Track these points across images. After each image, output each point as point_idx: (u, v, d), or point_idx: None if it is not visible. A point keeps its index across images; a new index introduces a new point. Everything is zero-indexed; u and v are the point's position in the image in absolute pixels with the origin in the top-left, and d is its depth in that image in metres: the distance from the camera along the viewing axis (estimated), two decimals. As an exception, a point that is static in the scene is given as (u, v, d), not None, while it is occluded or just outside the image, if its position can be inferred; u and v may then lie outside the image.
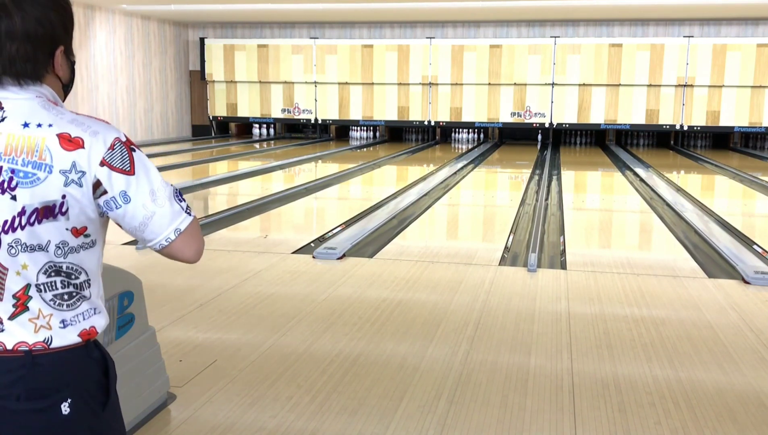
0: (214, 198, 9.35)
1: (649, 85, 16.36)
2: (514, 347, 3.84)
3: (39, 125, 1.43)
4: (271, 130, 19.06)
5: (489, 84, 16.92)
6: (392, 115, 17.61)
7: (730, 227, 7.25)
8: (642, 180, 11.07)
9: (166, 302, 4.51)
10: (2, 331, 1.45)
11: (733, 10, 15.10)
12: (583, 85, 16.56)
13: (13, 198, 1.41)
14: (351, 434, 2.89)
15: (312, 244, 6.33)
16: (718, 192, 10.99)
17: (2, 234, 1.42)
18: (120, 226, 1.53)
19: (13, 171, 1.41)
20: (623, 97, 16.52)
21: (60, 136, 1.43)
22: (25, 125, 1.43)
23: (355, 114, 17.79)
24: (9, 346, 1.44)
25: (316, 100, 17.90)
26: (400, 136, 18.58)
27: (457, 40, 17.12)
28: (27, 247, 1.43)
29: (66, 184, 1.42)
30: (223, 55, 18.16)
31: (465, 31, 17.43)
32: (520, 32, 17.15)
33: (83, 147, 1.43)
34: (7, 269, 1.43)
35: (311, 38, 17.85)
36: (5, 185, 1.41)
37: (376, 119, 17.73)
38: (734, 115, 16.17)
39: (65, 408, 1.47)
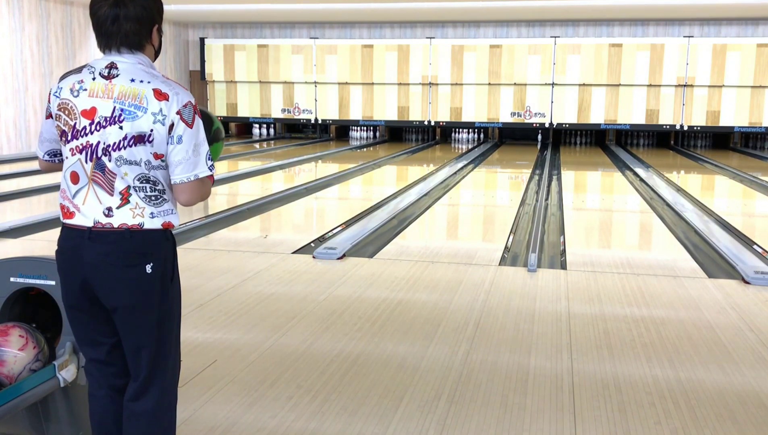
0: (214, 198, 9.35)
1: (649, 85, 16.36)
2: (514, 347, 3.84)
3: (141, 81, 2.11)
4: (271, 130, 19.06)
5: (489, 84, 16.92)
6: (392, 115, 17.61)
7: (730, 227, 7.25)
8: (642, 180, 11.07)
9: (166, 302, 4.50)
10: (112, 216, 2.13)
11: (733, 10, 15.10)
12: (583, 85, 16.56)
13: (120, 127, 2.10)
14: (351, 434, 2.89)
15: (312, 244, 6.32)
16: (718, 192, 10.99)
17: (112, 151, 2.10)
18: (167, 159, 2.15)
19: (122, 110, 2.09)
20: (623, 97, 16.52)
21: (154, 90, 2.10)
22: (132, 80, 2.11)
23: (355, 114, 17.79)
24: (115, 225, 2.13)
25: (316, 100, 17.90)
26: (400, 136, 18.57)
27: (457, 40, 17.11)
28: (127, 161, 2.11)
29: (154, 122, 2.09)
30: (223, 55, 18.16)
31: (465, 31, 17.43)
32: (520, 32, 17.15)
33: (168, 100, 2.11)
34: (115, 175, 2.12)
35: (311, 38, 17.85)
36: (116, 119, 2.09)
37: (376, 119, 17.72)
38: (734, 115, 16.17)
39: (149, 268, 2.15)
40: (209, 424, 2.95)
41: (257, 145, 16.93)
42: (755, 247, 6.38)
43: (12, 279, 2.60)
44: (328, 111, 17.92)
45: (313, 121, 18.08)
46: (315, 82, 17.79)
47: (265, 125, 18.92)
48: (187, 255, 5.81)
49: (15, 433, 2.65)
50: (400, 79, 17.34)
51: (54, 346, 2.60)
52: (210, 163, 2.19)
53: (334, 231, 6.91)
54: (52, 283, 2.52)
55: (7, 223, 6.94)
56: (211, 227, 7.10)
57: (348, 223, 7.28)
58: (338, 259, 5.72)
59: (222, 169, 11.87)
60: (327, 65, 17.68)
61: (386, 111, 17.60)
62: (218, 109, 18.42)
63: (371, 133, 18.57)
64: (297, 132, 19.25)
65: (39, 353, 2.50)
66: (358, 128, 18.52)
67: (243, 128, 19.44)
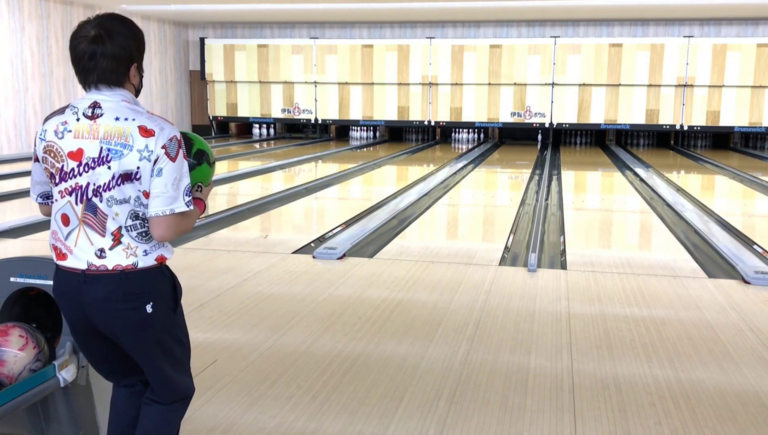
0: (214, 198, 9.35)
1: (649, 85, 16.36)
2: (514, 347, 3.84)
3: (126, 119, 2.08)
4: (271, 130, 19.05)
5: (489, 84, 16.92)
6: (392, 115, 17.61)
7: (730, 227, 7.25)
8: (642, 180, 11.07)
9: (166, 302, 4.50)
10: (105, 257, 2.11)
11: (733, 10, 15.09)
12: (583, 85, 16.56)
13: (109, 167, 2.07)
14: (351, 434, 2.89)
15: (312, 244, 6.32)
16: (718, 192, 10.99)
17: (103, 192, 2.08)
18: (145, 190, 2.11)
19: (109, 150, 2.07)
20: (623, 97, 16.52)
21: (140, 127, 2.08)
22: (116, 119, 2.08)
23: (355, 114, 17.79)
24: (110, 267, 2.11)
25: (316, 100, 17.90)
26: (400, 136, 18.57)
27: (457, 40, 17.11)
28: (117, 200, 2.09)
29: (140, 159, 2.07)
30: (223, 55, 18.15)
31: (465, 31, 17.43)
32: (520, 32, 17.15)
33: (154, 136, 2.08)
34: (107, 215, 2.10)
35: (311, 38, 17.84)
36: (104, 159, 2.07)
37: (376, 119, 17.72)
38: (734, 115, 16.17)
39: (149, 308, 2.14)
40: (209, 424, 2.95)
41: (257, 145, 16.93)
42: (755, 247, 6.38)
43: (12, 279, 2.60)
44: (328, 111, 17.92)
45: (313, 121, 18.08)
46: (315, 82, 17.78)
47: (265, 125, 18.92)
48: (187, 255, 5.81)
49: (15, 433, 2.65)
50: (400, 79, 17.34)
51: (54, 346, 2.60)
52: (188, 198, 2.13)
53: (334, 231, 6.91)
54: (52, 283, 2.52)
55: (7, 223, 6.94)
56: (211, 227, 7.10)
57: (348, 223, 7.28)
58: (338, 259, 5.72)
59: (222, 169, 11.88)
60: (327, 65, 17.67)
61: (386, 111, 17.60)
62: (218, 109, 18.43)
63: (371, 133, 18.57)
64: (297, 132, 19.25)
65: (39, 353, 2.50)
66: (358, 128, 18.52)
67: (243, 128, 19.44)
